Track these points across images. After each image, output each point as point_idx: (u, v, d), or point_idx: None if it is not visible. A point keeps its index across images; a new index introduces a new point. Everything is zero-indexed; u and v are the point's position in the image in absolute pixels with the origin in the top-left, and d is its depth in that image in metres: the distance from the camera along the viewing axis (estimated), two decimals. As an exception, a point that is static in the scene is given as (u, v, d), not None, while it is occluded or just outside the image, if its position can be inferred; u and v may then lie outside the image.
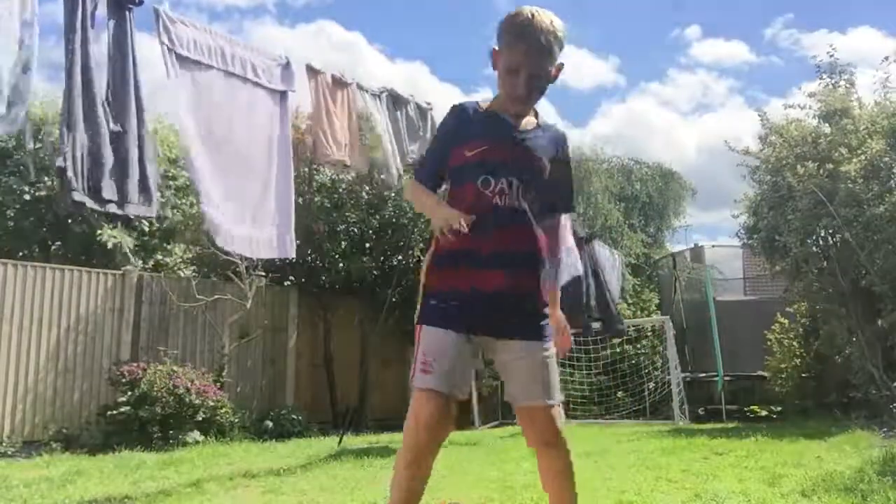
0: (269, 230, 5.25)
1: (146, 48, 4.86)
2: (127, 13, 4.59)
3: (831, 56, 9.18)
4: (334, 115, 5.94)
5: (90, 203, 4.26)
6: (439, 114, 7.27)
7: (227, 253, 6.61)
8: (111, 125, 4.37)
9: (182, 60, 4.78)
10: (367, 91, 6.37)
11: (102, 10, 4.47)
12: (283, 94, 5.50)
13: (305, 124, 6.74)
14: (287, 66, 5.58)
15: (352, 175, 7.93)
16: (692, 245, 14.97)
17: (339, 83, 6.06)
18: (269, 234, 5.25)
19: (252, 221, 5.11)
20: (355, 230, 10.38)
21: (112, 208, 4.39)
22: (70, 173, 4.14)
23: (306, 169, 9.49)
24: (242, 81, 5.17)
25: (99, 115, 4.32)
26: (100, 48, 4.46)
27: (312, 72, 5.86)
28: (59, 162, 4.15)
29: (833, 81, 9.16)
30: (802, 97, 9.32)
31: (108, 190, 4.31)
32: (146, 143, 4.55)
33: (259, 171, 5.23)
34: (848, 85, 9.12)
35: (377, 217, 10.45)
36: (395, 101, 6.69)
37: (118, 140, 4.40)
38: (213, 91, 4.95)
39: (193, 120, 4.77)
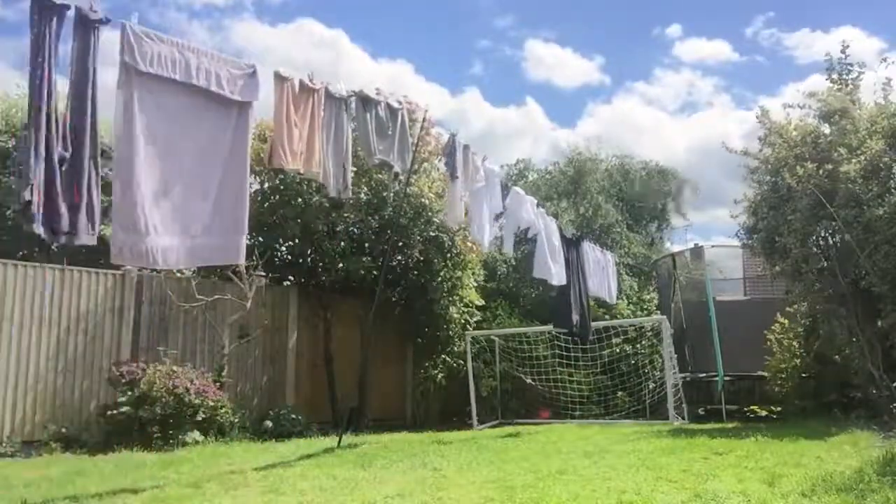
0: (218, 238, 5.28)
1: (111, 66, 4.84)
2: (92, 34, 4.54)
3: (837, 55, 9.18)
4: (294, 123, 5.95)
5: (46, 235, 4.25)
6: (430, 114, 7.33)
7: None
8: (67, 151, 4.35)
9: (140, 76, 4.78)
10: (333, 95, 6.35)
11: (68, 32, 4.42)
12: (243, 105, 5.48)
13: (267, 133, 6.74)
14: (253, 74, 5.58)
15: (352, 175, 7.92)
16: (692, 245, 14.98)
17: (305, 90, 6.07)
18: (219, 242, 5.30)
19: (198, 231, 5.13)
20: (355, 230, 10.37)
21: (63, 239, 4.39)
22: (34, 206, 4.11)
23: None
24: (202, 93, 5.19)
25: (60, 143, 4.29)
26: (64, 69, 4.42)
27: (280, 79, 5.87)
28: (27, 195, 4.08)
29: (841, 80, 9.14)
30: (801, 97, 9.32)
31: (64, 221, 4.31)
32: (95, 169, 4.52)
33: (209, 180, 5.23)
34: (854, 85, 9.10)
35: (377, 217, 10.44)
36: (365, 102, 6.70)
37: (72, 167, 4.37)
38: (167, 103, 4.97)
39: (142, 132, 4.76)
